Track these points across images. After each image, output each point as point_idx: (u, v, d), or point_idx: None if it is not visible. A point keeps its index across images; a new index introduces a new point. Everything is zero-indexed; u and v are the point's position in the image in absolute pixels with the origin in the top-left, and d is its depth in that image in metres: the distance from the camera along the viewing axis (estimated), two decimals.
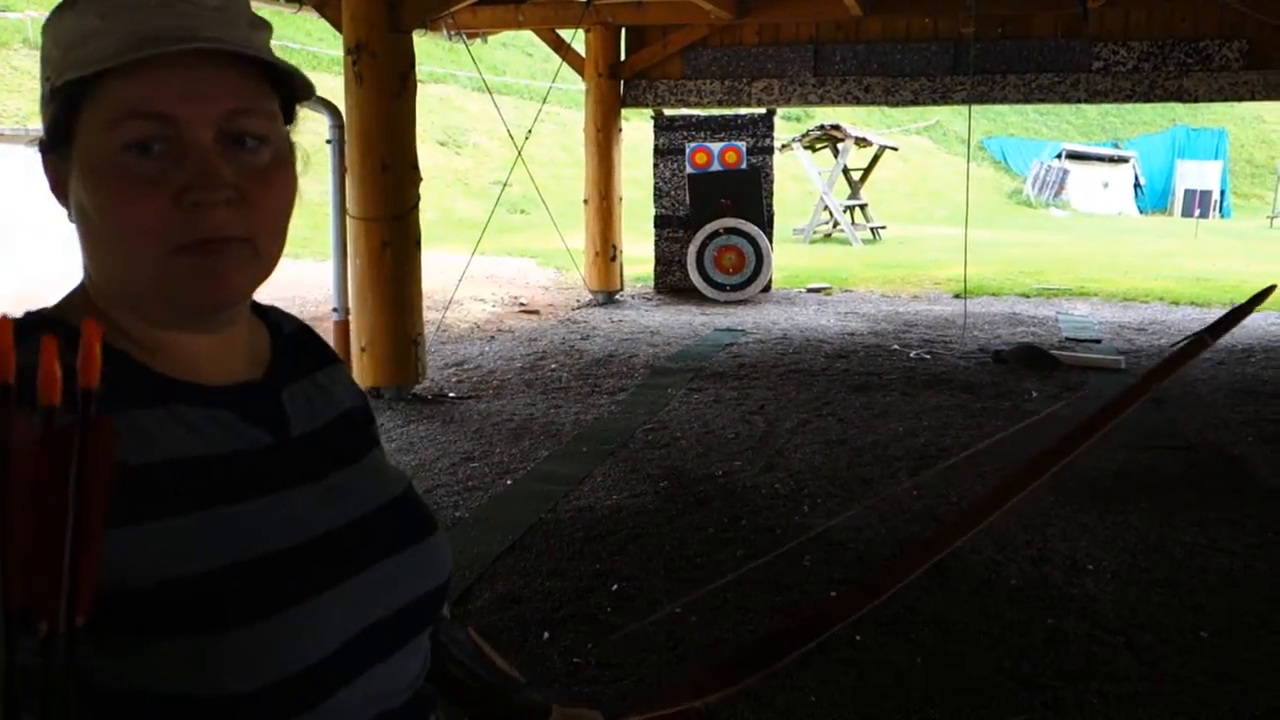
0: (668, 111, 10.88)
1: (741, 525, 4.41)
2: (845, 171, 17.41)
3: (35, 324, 0.80)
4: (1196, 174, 24.34)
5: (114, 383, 0.76)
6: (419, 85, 6.35)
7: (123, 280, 0.81)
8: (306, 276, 9.23)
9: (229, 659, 0.75)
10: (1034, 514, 4.52)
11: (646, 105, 10.65)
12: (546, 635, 3.39)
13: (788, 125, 20.27)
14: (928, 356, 7.92)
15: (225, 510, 0.79)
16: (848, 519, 4.48)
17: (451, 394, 6.67)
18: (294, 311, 1.01)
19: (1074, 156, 25.09)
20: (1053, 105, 10.77)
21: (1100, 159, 25.27)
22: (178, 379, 0.83)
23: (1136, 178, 25.12)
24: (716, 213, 10.56)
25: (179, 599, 0.75)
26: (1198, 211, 22.29)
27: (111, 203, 0.78)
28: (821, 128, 17.08)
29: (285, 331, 0.96)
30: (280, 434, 0.87)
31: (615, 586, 3.79)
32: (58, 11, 0.81)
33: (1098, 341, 8.57)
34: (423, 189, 6.36)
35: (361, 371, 6.33)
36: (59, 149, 0.81)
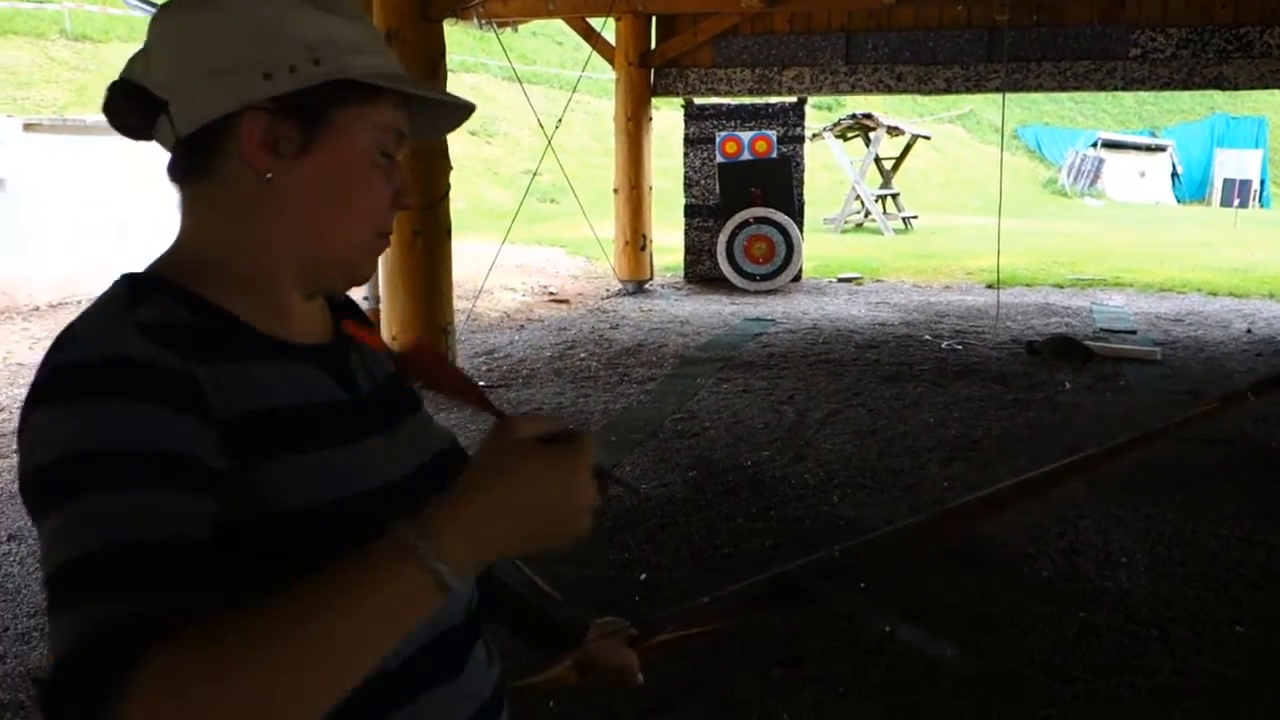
0: (698, 100, 10.85)
1: (770, 515, 4.40)
2: (877, 160, 17.28)
3: (155, 286, 0.90)
4: (1236, 163, 24.00)
5: (234, 339, 0.89)
6: (449, 74, 6.36)
7: (328, 245, 0.96)
8: None
9: None
10: (1066, 506, 4.48)
11: (677, 94, 10.62)
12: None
13: (819, 114, 20.15)
14: (959, 347, 7.86)
15: (328, 452, 0.91)
16: (880, 511, 4.45)
17: (482, 383, 6.69)
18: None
19: (1110, 145, 24.80)
20: (1088, 93, 10.63)
21: (1137, 148, 24.95)
22: (276, 338, 0.94)
23: (1174, 167, 24.78)
24: (747, 202, 10.52)
25: (280, 530, 0.86)
26: (1237, 201, 21.99)
27: (360, 187, 0.95)
28: (853, 116, 16.97)
29: (337, 304, 1.08)
30: (353, 390, 0.99)
31: (643, 576, 3.79)
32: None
33: (1133, 333, 8.47)
34: (453, 178, 6.38)
35: None
36: (300, 121, 0.92)
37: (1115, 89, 9.64)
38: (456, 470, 0.94)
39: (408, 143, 0.99)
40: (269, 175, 0.92)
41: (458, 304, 6.86)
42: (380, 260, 1.08)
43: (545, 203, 16.16)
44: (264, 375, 0.90)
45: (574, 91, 10.06)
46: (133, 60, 0.94)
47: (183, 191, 0.96)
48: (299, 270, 0.96)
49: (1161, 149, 24.94)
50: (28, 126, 8.96)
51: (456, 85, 8.55)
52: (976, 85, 9.83)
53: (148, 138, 0.95)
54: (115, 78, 0.95)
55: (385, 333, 6.39)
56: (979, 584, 3.66)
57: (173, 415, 0.80)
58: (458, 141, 9.42)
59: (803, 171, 11.02)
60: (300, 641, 0.69)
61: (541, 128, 8.66)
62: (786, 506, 4.51)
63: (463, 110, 1.03)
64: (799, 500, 4.59)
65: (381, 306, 6.39)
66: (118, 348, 0.82)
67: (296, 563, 0.79)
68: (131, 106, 0.93)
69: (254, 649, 0.68)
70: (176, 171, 0.95)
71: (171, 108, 0.91)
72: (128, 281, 0.91)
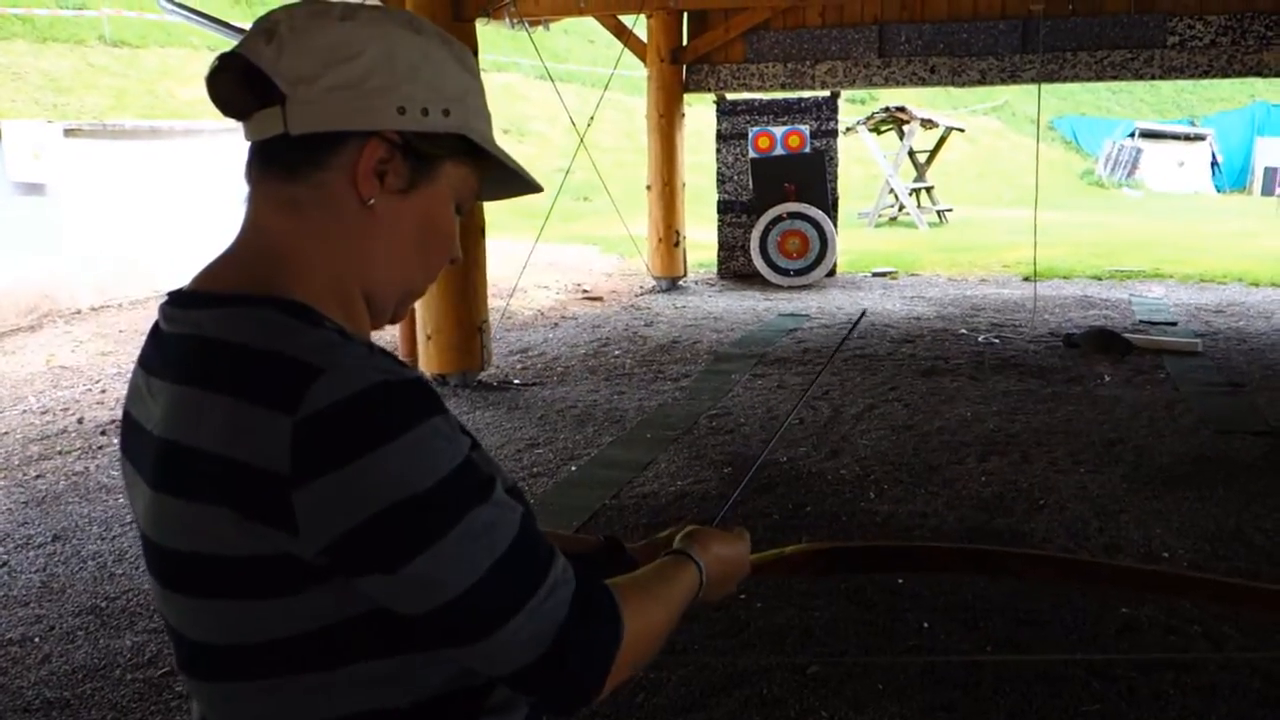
0: (730, 96, 10.81)
1: (807, 511, 4.38)
2: (911, 154, 17.15)
3: (302, 307, 0.91)
4: (1277, 151, 23.58)
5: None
6: (482, 74, 6.37)
7: (412, 279, 1.01)
8: None
9: None
10: (1107, 500, 4.43)
11: (709, 90, 10.59)
12: None
13: (852, 108, 20.02)
14: (996, 341, 7.79)
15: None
16: (917, 507, 4.43)
17: (516, 381, 6.71)
18: None
19: (1148, 135, 24.43)
20: (1126, 83, 10.43)
21: (1175, 137, 24.57)
22: None
23: (1213, 156, 24.38)
24: (780, 197, 10.48)
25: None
26: (1278, 190, 21.62)
27: (440, 237, 1.00)
28: (887, 110, 16.84)
29: None
30: None
31: None
32: (429, 40, 0.97)
33: (1173, 324, 8.36)
34: None
35: (427, 358, 6.40)
36: (414, 162, 0.95)
37: (1153, 78, 9.50)
38: None
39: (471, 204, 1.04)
40: (371, 202, 0.93)
41: (492, 302, 6.89)
42: None
43: (578, 201, 16.17)
44: None
45: (606, 89, 10.05)
46: (255, 39, 0.92)
47: (266, 187, 0.94)
48: (365, 297, 0.98)
49: (1200, 138, 24.54)
50: (68, 132, 9.08)
51: (489, 85, 8.42)
52: (1011, 77, 9.73)
53: (241, 118, 0.94)
54: (229, 50, 0.94)
55: (420, 331, 6.43)
56: (1018, 580, 3.63)
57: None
58: None
59: (836, 166, 10.96)
60: (668, 602, 1.05)
61: (574, 126, 8.66)
62: (823, 502, 4.49)
63: (528, 187, 1.08)
64: (835, 496, 4.57)
65: (417, 305, 6.42)
66: (388, 372, 0.86)
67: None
68: (241, 86, 0.92)
69: (652, 612, 1.01)
70: (269, 164, 0.94)
71: (290, 104, 0.90)
72: (284, 305, 0.90)
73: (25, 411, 6.17)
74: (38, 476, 5.00)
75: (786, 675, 3.06)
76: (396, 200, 0.95)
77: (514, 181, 1.07)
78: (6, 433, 5.74)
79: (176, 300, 0.95)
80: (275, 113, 0.91)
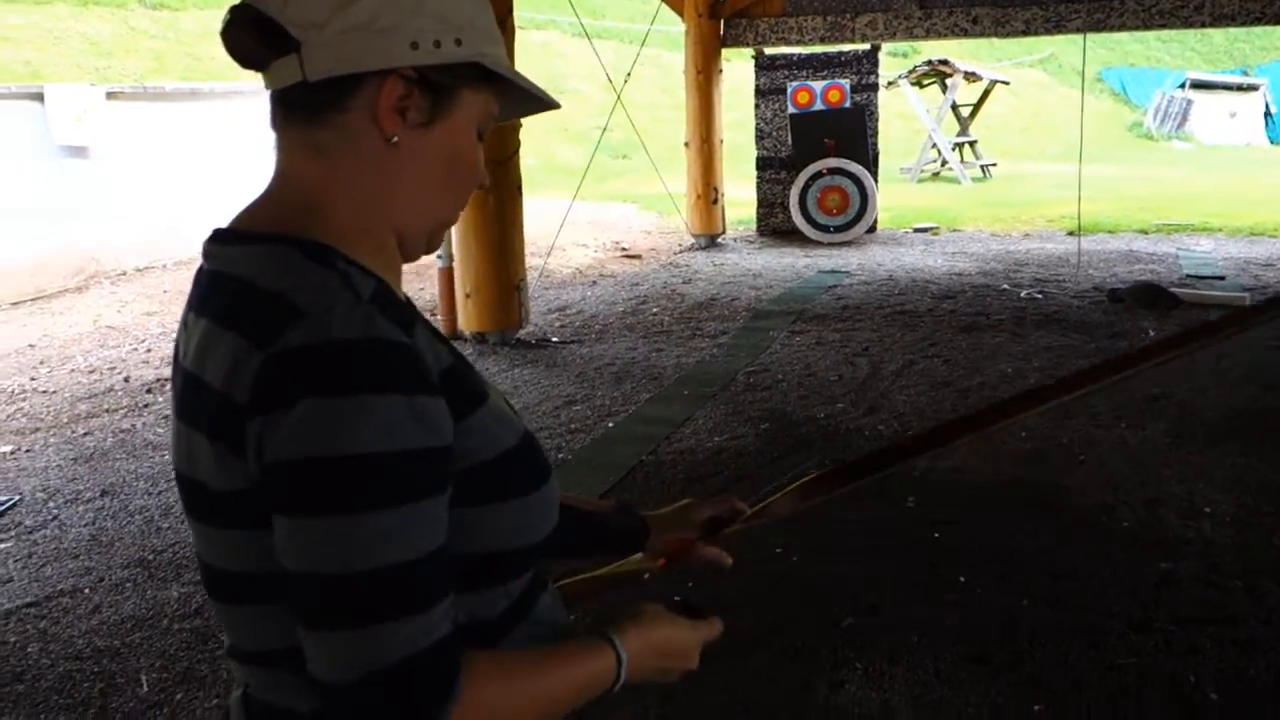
0: (768, 50, 10.69)
1: None
2: (954, 108, 16.89)
3: (325, 251, 0.91)
4: None
5: (396, 304, 0.93)
6: (518, 31, 6.35)
7: (442, 210, 1.01)
8: None
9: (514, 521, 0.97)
10: (1148, 455, 4.38)
11: (747, 44, 10.48)
12: (646, 575, 3.42)
13: (893, 61, 19.74)
14: (1039, 296, 7.69)
15: (482, 410, 0.96)
16: (955, 462, 4.40)
17: (554, 338, 6.73)
18: None
19: (1199, 86, 23.87)
20: (1175, 31, 10.16)
21: (1227, 88, 23.99)
22: (404, 297, 0.99)
23: (1267, 106, 23.79)
24: (820, 153, 10.37)
25: (482, 477, 0.94)
26: None
27: (465, 165, 1.00)
28: (929, 63, 16.58)
29: None
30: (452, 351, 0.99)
31: None
32: None
33: (1221, 279, 8.21)
34: (523, 135, 6.39)
35: (466, 317, 6.44)
36: (432, 95, 0.95)
37: (1203, 26, 9.27)
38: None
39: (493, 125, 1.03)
40: (395, 139, 0.94)
41: (530, 261, 6.90)
42: None
43: (616, 159, 16.11)
44: (422, 337, 0.92)
45: (643, 45, 9.97)
46: None
47: (292, 134, 0.96)
48: (396, 233, 0.99)
49: (1254, 88, 23.95)
50: (110, 95, 9.16)
51: (525, 43, 8.41)
52: (1057, 26, 9.53)
53: (258, 69, 0.95)
54: (237, 2, 0.94)
55: (459, 290, 6.46)
56: (1058, 534, 3.62)
57: (436, 400, 0.86)
58: None
59: (877, 121, 10.82)
60: (553, 686, 0.94)
61: (611, 83, 8.61)
62: None
63: (546, 105, 1.07)
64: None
65: (455, 264, 6.45)
66: (369, 329, 0.84)
67: (483, 510, 0.94)
68: (254, 37, 0.92)
69: (528, 692, 0.92)
70: (291, 112, 0.95)
71: (305, 50, 0.91)
72: (305, 246, 0.91)
73: (73, 371, 6.29)
74: (86, 434, 5.11)
75: (820, 626, 3.07)
76: (419, 134, 0.95)
77: (531, 100, 1.06)
78: (55, 391, 5.86)
79: (216, 237, 0.97)
80: (292, 60, 0.91)
